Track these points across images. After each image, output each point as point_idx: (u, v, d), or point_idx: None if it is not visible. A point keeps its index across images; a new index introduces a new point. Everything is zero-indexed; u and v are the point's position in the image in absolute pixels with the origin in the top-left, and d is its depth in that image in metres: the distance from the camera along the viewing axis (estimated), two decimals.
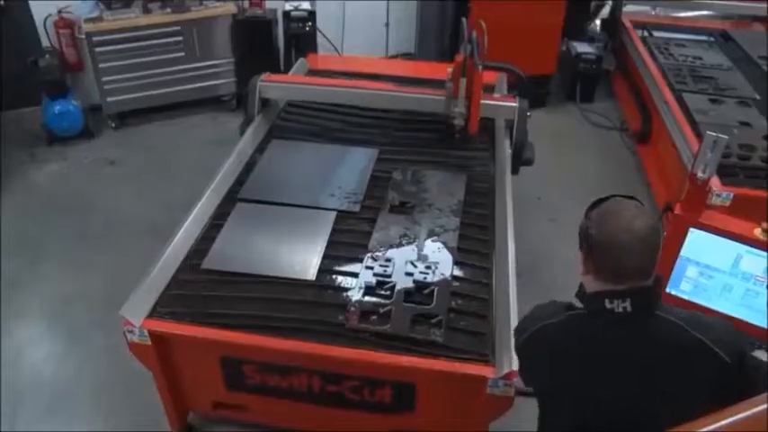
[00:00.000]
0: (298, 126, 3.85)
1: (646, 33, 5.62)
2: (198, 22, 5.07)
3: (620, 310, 1.48)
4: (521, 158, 3.57)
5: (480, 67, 3.25)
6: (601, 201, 1.56)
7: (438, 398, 2.46)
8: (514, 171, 3.52)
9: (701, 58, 5.05)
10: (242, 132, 3.70)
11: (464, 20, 3.48)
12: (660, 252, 1.49)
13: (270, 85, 3.81)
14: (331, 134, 3.75)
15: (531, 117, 3.63)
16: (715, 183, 3.37)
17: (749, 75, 4.79)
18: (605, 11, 6.05)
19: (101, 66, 4.93)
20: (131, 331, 2.40)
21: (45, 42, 4.99)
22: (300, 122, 3.89)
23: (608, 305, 1.49)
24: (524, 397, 2.39)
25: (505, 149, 3.51)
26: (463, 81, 3.34)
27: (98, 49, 4.87)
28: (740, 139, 3.78)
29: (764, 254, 1.96)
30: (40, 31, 4.96)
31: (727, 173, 3.47)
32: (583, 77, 5.69)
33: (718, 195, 3.33)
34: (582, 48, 5.67)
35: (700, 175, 1.98)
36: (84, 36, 4.84)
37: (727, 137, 1.96)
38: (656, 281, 1.52)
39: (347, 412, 2.57)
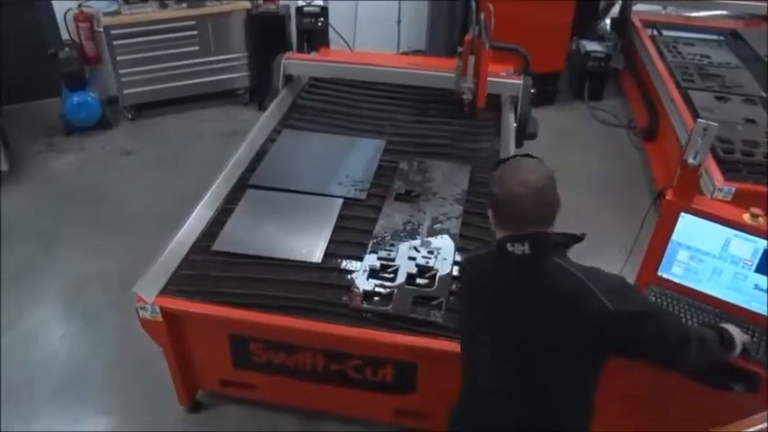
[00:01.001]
0: (308, 122, 3.93)
1: (655, 32, 5.65)
2: (213, 18, 5.19)
3: (519, 252, 1.64)
4: (524, 132, 3.73)
5: (487, 46, 3.40)
6: (501, 162, 1.74)
7: (437, 377, 2.52)
8: (519, 144, 3.66)
9: (708, 57, 5.07)
10: (266, 106, 3.88)
11: (473, 2, 3.62)
12: (557, 202, 1.67)
13: (293, 62, 4.12)
14: (342, 124, 3.84)
15: (537, 113, 3.73)
16: (717, 178, 3.43)
17: (757, 73, 4.81)
18: (615, 9, 6.09)
19: (118, 59, 5.06)
20: (144, 308, 2.50)
21: (65, 35, 5.12)
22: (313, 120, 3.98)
23: (509, 248, 1.65)
24: None
25: (510, 124, 3.66)
26: (472, 59, 3.51)
27: (116, 43, 4.99)
28: (744, 136, 3.82)
29: (752, 238, 2.02)
30: (60, 24, 5.09)
31: (730, 168, 3.52)
32: (591, 75, 5.73)
33: (720, 190, 3.38)
34: (591, 46, 5.71)
35: (690, 161, 2.05)
36: (102, 29, 4.97)
37: (716, 124, 2.02)
38: (570, 237, 1.69)
39: (350, 391, 2.65)
